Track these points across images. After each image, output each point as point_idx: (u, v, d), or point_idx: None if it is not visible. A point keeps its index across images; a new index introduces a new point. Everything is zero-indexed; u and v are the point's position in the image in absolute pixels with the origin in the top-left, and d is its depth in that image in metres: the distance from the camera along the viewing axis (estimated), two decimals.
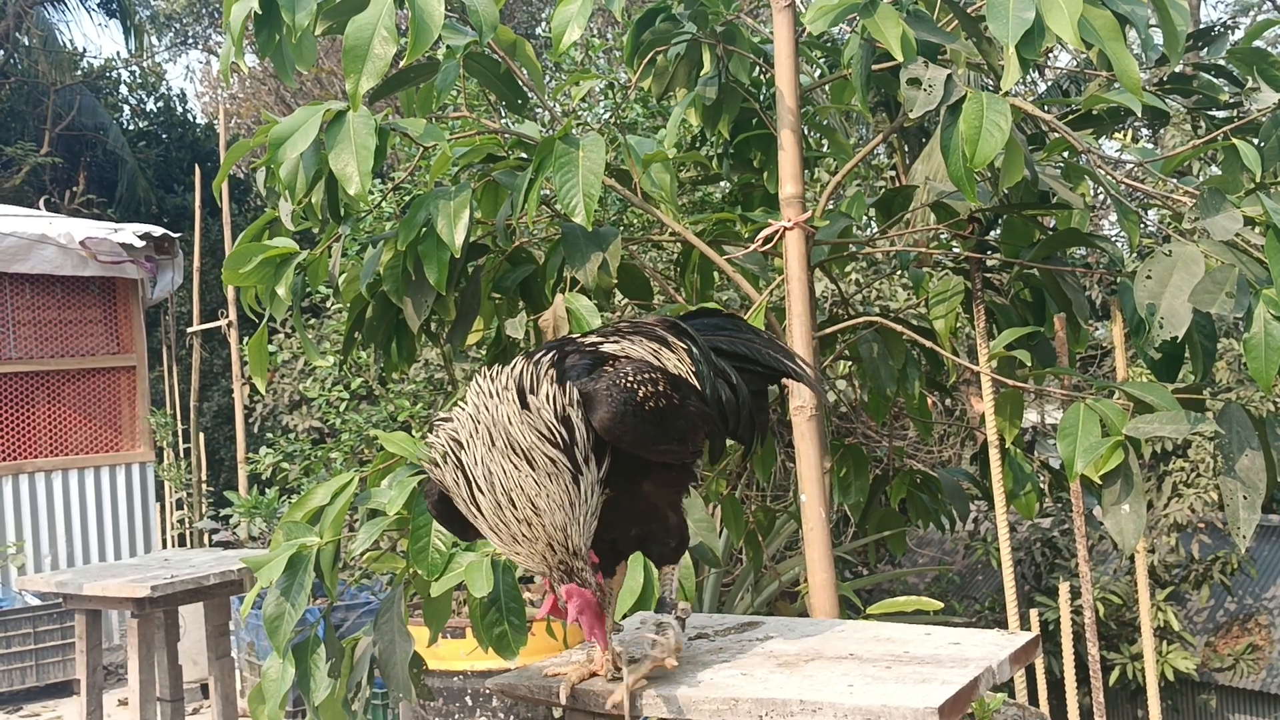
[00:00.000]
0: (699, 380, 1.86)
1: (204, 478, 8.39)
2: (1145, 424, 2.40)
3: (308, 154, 2.63)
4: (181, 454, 8.54)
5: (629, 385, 1.71)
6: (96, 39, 36.14)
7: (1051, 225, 3.36)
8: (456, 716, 4.83)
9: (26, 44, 14.24)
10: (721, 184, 5.10)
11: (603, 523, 1.77)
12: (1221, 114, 3.10)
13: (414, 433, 5.99)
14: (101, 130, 13.75)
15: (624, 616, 2.26)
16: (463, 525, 1.79)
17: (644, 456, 1.73)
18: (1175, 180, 2.91)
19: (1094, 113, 3.02)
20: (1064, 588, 3.61)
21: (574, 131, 2.70)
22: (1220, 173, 2.81)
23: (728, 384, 1.92)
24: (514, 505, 1.68)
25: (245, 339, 7.40)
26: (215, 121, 14.12)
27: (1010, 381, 2.94)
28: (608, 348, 1.82)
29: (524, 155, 3.05)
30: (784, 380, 2.22)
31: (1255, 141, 2.74)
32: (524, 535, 1.68)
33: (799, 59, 2.86)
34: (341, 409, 6.60)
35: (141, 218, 12.19)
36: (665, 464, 1.80)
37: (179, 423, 8.60)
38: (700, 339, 1.91)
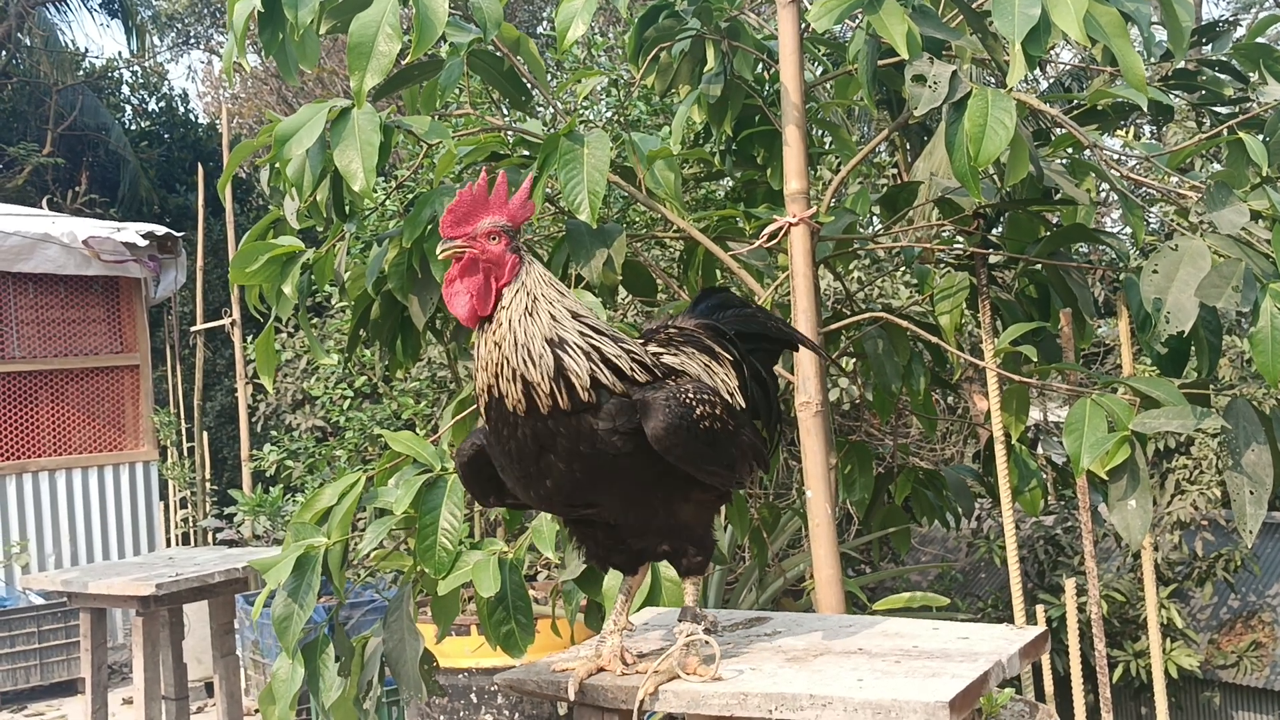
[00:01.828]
0: (743, 393, 1.89)
1: (208, 476, 8.40)
2: (1152, 419, 2.40)
3: (313, 151, 2.63)
4: (185, 453, 8.55)
5: (688, 400, 1.72)
6: (98, 39, 36.23)
7: (1056, 221, 3.36)
8: (462, 714, 4.83)
9: (28, 44, 14.23)
10: (725, 180, 5.10)
11: (632, 532, 1.80)
12: (1226, 110, 3.10)
13: (418, 431, 6.00)
14: (104, 130, 13.75)
15: (632, 613, 2.26)
16: (484, 487, 1.82)
17: (691, 473, 1.73)
18: (1180, 175, 2.91)
19: (1098, 108, 3.02)
20: (1070, 584, 3.61)
21: (578, 129, 2.70)
22: (1225, 167, 2.81)
23: (759, 382, 1.96)
24: None
25: (248, 338, 7.43)
26: (217, 121, 14.12)
27: (1015, 377, 2.94)
28: (668, 359, 1.83)
29: (528, 153, 3.05)
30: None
31: (1260, 136, 2.74)
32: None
33: (803, 55, 2.85)
34: (345, 407, 6.60)
35: (144, 217, 12.19)
36: (707, 487, 1.81)
37: (182, 421, 8.60)
38: (740, 345, 1.94)
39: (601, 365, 1.69)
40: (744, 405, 1.89)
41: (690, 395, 1.73)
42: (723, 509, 1.97)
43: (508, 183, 1.76)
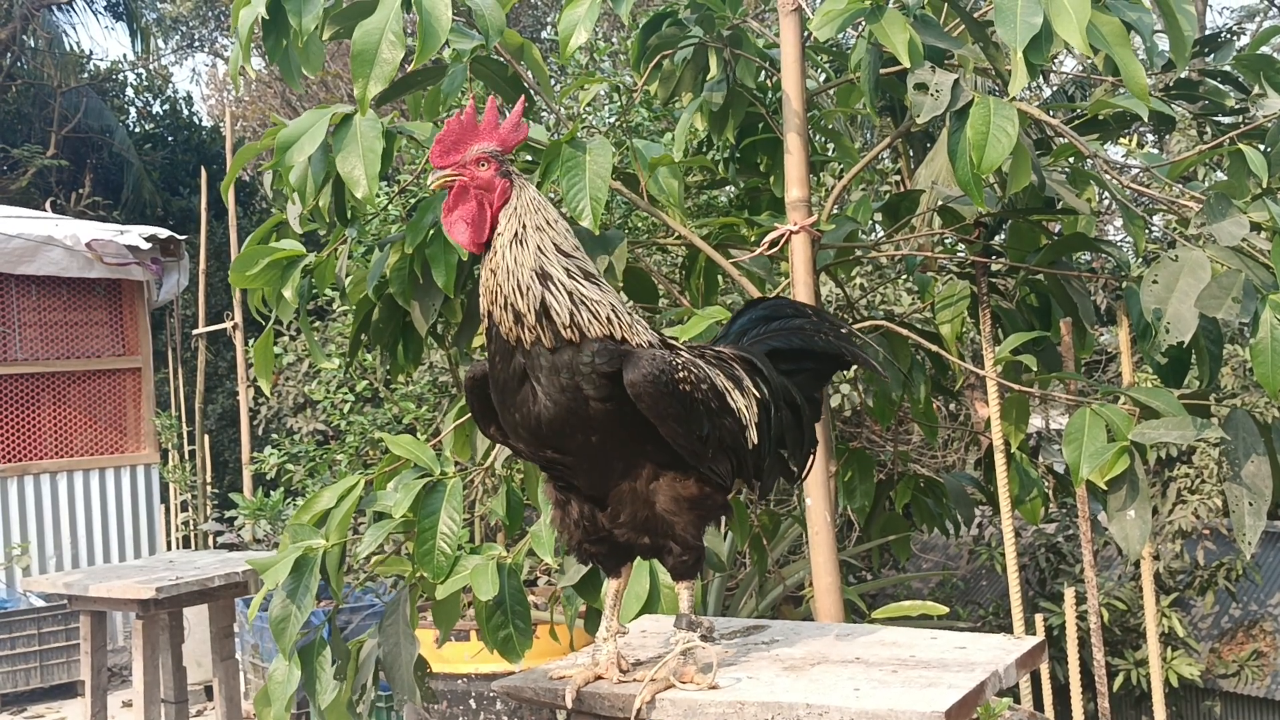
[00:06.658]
0: (758, 431, 1.88)
1: (209, 480, 8.40)
2: (1151, 429, 2.40)
3: (315, 157, 2.63)
4: (186, 456, 8.55)
5: (673, 362, 1.74)
6: (103, 41, 36.32)
7: (1057, 230, 3.36)
8: (460, 719, 4.83)
9: (33, 46, 14.27)
10: (727, 188, 5.10)
11: (609, 509, 1.79)
12: (1227, 120, 3.10)
13: (419, 436, 6.00)
14: (107, 133, 13.77)
15: (630, 620, 2.26)
16: (486, 413, 1.82)
17: (659, 428, 1.72)
18: (1181, 185, 2.91)
19: (1100, 118, 3.02)
20: (1069, 593, 3.60)
21: (580, 135, 2.70)
22: (1226, 178, 2.81)
23: (793, 409, 1.95)
24: None
25: (250, 341, 7.43)
26: (221, 124, 14.15)
27: (1016, 386, 2.94)
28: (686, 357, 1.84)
29: (530, 159, 3.05)
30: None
31: (1261, 147, 2.74)
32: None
33: (805, 63, 2.86)
34: (346, 411, 6.60)
35: (147, 220, 12.21)
36: (681, 468, 1.79)
37: (184, 424, 8.61)
38: (775, 379, 1.93)
39: (580, 306, 1.72)
40: (755, 441, 1.88)
41: (678, 361, 1.75)
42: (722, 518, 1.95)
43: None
